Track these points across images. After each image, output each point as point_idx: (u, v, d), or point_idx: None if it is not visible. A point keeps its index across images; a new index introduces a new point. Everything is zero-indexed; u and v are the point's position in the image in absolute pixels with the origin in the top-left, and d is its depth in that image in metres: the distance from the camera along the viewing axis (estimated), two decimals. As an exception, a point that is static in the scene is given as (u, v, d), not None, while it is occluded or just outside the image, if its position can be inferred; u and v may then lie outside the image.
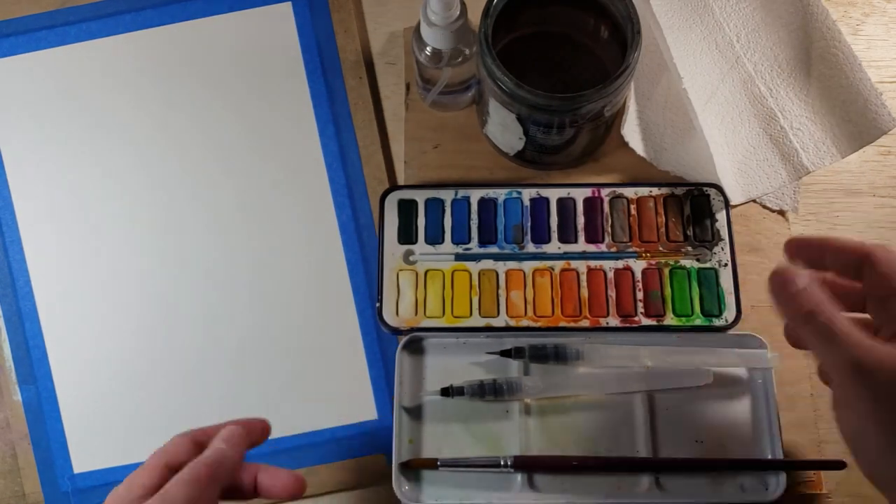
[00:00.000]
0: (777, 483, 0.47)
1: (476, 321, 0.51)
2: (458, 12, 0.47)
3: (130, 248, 0.55)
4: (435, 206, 0.53)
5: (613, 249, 0.52)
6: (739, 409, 0.49)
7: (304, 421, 0.52)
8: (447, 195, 0.54)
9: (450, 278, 0.52)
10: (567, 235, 0.53)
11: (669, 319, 0.51)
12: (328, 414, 0.52)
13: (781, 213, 0.55)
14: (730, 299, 0.51)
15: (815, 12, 0.53)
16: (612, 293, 0.51)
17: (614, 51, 0.48)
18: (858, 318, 0.37)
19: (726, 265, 0.51)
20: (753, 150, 0.54)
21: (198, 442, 0.39)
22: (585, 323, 0.51)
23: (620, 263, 0.52)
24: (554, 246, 0.52)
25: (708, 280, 0.51)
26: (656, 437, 0.49)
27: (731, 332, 0.51)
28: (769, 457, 0.48)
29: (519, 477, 0.48)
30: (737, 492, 0.48)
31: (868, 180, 0.56)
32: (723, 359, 0.50)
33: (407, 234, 0.53)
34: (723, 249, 0.52)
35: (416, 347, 0.51)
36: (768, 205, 0.54)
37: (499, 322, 0.51)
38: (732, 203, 0.53)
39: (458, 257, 0.52)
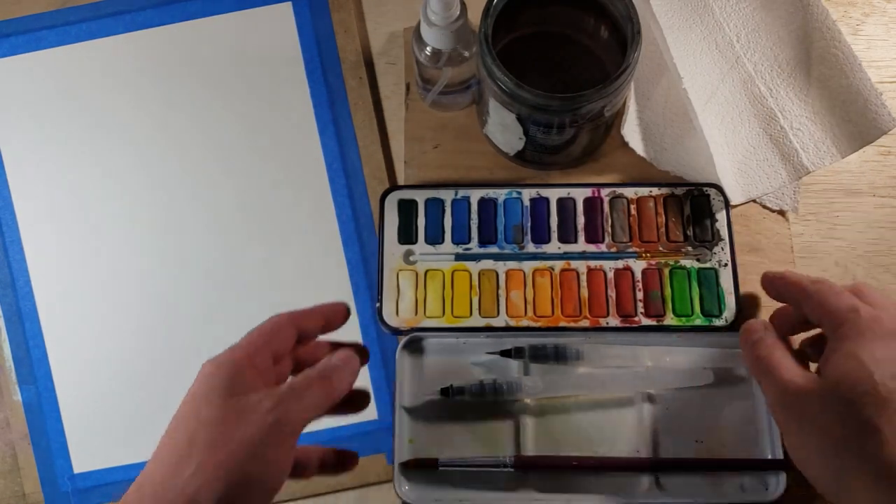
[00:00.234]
0: (777, 483, 0.47)
1: (476, 321, 0.51)
2: (458, 12, 0.47)
3: (130, 248, 0.55)
4: (435, 206, 0.53)
5: (613, 249, 0.52)
6: (739, 409, 0.49)
7: (304, 421, 0.52)
8: (447, 195, 0.54)
9: (450, 278, 0.52)
10: (567, 235, 0.53)
11: (669, 319, 0.51)
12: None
13: (781, 213, 0.55)
14: (730, 299, 0.51)
15: (815, 12, 0.53)
16: (612, 293, 0.51)
17: (614, 51, 0.48)
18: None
19: (726, 265, 0.51)
20: (753, 150, 0.54)
21: (299, 328, 0.40)
22: (585, 323, 0.51)
23: (620, 263, 0.52)
24: (554, 246, 0.52)
25: (708, 280, 0.51)
26: (656, 437, 0.49)
27: (731, 331, 0.50)
28: (769, 457, 0.48)
29: (519, 477, 0.48)
30: (737, 492, 0.48)
31: (868, 180, 0.56)
32: (723, 359, 0.50)
33: (407, 234, 0.53)
34: (723, 249, 0.52)
35: (416, 347, 0.51)
36: (768, 205, 0.54)
37: (499, 322, 0.51)
38: (733, 203, 0.53)
39: (458, 257, 0.52)
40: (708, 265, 0.52)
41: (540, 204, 0.53)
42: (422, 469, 0.48)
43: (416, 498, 0.48)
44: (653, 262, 0.52)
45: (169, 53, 0.58)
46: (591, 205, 0.53)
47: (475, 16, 0.47)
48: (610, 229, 0.53)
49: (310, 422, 0.37)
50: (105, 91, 0.57)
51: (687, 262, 0.52)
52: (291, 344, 0.40)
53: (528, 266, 0.52)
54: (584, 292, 0.51)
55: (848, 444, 0.37)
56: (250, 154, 0.56)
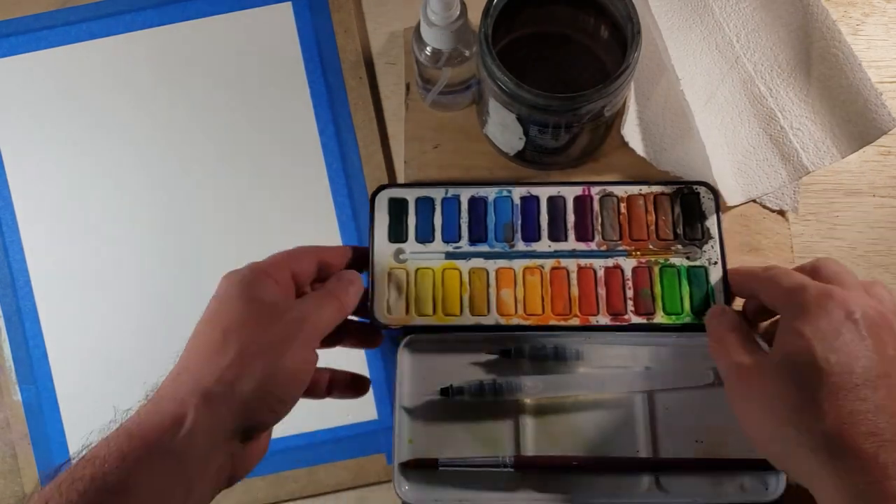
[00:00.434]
0: (777, 483, 0.47)
1: (466, 319, 0.51)
2: (458, 12, 0.47)
3: (130, 248, 0.55)
4: (425, 205, 0.53)
5: (603, 248, 0.52)
6: (739, 409, 0.49)
7: (305, 421, 0.52)
8: (437, 194, 0.53)
9: (440, 277, 0.52)
10: (557, 234, 0.52)
11: (659, 317, 0.50)
12: (328, 414, 0.52)
13: (781, 213, 0.55)
14: (719, 297, 0.51)
15: (815, 12, 0.53)
16: (601, 291, 0.51)
17: (614, 51, 0.48)
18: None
19: (716, 263, 0.51)
20: (753, 150, 0.54)
21: (319, 259, 0.44)
22: (576, 321, 0.50)
23: (610, 262, 0.52)
24: (544, 244, 0.52)
25: (698, 278, 0.51)
26: (656, 437, 0.49)
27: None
28: (769, 457, 0.48)
29: (519, 477, 0.48)
30: (737, 492, 0.48)
31: (868, 180, 0.56)
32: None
33: (397, 233, 0.52)
34: (713, 247, 0.52)
35: (416, 347, 0.51)
36: (768, 205, 0.54)
37: (489, 320, 0.50)
38: (732, 203, 0.53)
39: (449, 256, 0.52)
40: (697, 263, 0.51)
41: (530, 202, 0.53)
42: (422, 469, 0.48)
43: (416, 498, 0.48)
44: (643, 260, 0.52)
45: (169, 53, 0.58)
46: (581, 203, 0.53)
47: (475, 16, 0.47)
48: (600, 227, 0.52)
49: (326, 332, 0.41)
50: (105, 91, 0.57)
51: (677, 261, 0.52)
52: (311, 272, 0.44)
53: (519, 264, 0.52)
54: (575, 290, 0.51)
55: (791, 417, 0.38)
56: (250, 154, 0.56)
